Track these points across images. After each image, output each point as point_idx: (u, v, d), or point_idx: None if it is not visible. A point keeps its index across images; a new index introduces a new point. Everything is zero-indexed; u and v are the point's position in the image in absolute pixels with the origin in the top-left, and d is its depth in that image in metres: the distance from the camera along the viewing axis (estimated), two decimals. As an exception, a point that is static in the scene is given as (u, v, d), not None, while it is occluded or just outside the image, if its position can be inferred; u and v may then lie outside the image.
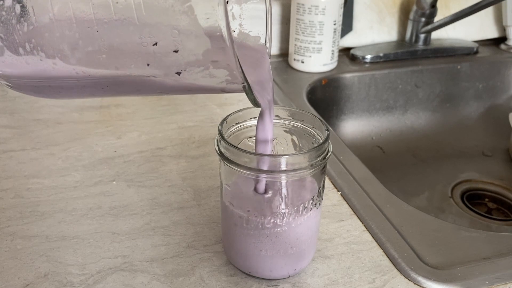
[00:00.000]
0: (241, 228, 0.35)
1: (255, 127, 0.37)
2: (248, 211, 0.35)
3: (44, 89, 0.31)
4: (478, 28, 0.91)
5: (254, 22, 0.34)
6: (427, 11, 0.81)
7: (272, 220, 0.34)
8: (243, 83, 0.26)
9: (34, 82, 0.30)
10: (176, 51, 0.25)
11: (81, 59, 0.27)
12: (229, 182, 0.36)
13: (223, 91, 0.28)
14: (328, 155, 0.34)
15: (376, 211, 0.46)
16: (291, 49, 0.77)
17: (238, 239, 0.36)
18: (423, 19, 0.82)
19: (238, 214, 0.35)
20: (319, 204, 0.36)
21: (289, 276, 0.38)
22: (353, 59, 0.82)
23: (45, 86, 0.30)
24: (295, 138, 0.39)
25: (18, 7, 0.26)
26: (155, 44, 0.25)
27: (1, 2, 0.27)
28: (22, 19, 0.27)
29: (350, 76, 0.78)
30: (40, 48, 0.27)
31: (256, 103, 0.29)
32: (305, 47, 0.74)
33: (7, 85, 0.31)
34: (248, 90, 0.27)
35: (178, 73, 0.26)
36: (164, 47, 0.25)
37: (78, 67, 0.27)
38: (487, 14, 0.90)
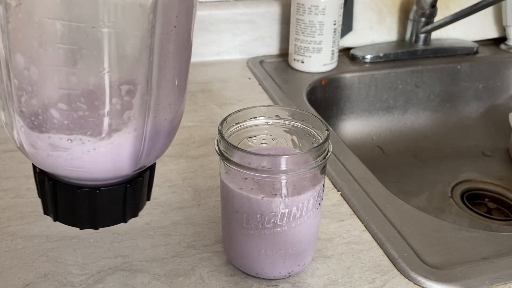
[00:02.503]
0: (241, 228, 0.35)
1: (255, 127, 0.37)
2: (249, 185, 0.35)
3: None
4: (478, 28, 0.90)
5: None
6: (427, 11, 0.81)
7: (272, 220, 0.34)
8: None
9: None
10: None
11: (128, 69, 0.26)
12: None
13: None
14: (328, 155, 0.34)
15: (376, 211, 0.46)
16: (291, 49, 0.77)
17: (238, 239, 0.36)
18: (423, 19, 0.82)
19: (238, 194, 0.35)
20: (319, 204, 0.36)
21: (289, 276, 0.38)
22: (353, 59, 0.82)
23: None
24: (295, 138, 0.39)
25: (15, 81, 0.26)
26: None
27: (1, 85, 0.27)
28: (23, 84, 0.26)
29: (350, 76, 0.78)
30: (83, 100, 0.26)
31: None
32: (305, 47, 0.74)
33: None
34: None
35: None
36: None
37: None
38: (487, 14, 0.90)
